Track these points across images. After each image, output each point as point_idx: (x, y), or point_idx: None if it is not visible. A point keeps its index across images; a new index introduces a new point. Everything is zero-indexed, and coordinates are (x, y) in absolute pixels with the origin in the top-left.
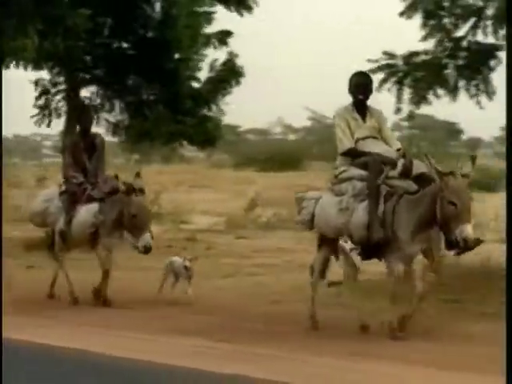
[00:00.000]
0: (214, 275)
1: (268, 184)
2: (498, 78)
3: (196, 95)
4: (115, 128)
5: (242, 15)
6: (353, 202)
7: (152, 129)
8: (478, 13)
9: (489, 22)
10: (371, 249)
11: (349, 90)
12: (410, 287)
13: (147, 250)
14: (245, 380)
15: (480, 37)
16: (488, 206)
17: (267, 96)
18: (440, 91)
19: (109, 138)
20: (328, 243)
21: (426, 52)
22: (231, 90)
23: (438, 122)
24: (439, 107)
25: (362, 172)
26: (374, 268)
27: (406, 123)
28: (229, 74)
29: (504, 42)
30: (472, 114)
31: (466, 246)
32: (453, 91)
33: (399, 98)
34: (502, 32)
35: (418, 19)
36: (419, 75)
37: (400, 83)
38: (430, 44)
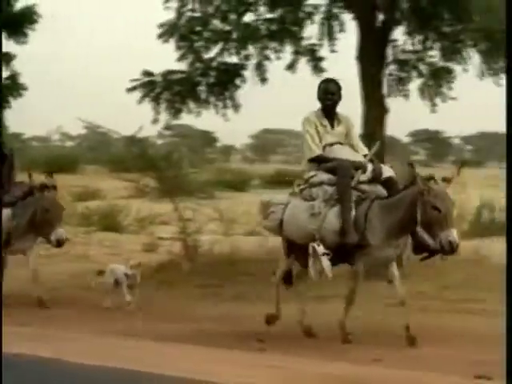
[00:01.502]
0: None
1: None
2: (243, 93)
3: None
4: None
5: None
6: (324, 207)
7: None
8: (226, 36)
9: (234, 44)
10: (343, 253)
11: (318, 96)
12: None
13: (60, 243)
14: (34, 358)
15: (228, 58)
16: (238, 203)
17: (48, 107)
18: (193, 105)
19: None
20: (295, 249)
21: (181, 71)
22: (11, 104)
23: (196, 131)
24: (197, 118)
25: (331, 176)
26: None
27: (168, 132)
28: (10, 89)
29: (247, 62)
30: (225, 124)
31: (450, 249)
32: (204, 105)
33: (157, 110)
34: (245, 52)
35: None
36: (175, 91)
37: (158, 98)
38: (185, 64)
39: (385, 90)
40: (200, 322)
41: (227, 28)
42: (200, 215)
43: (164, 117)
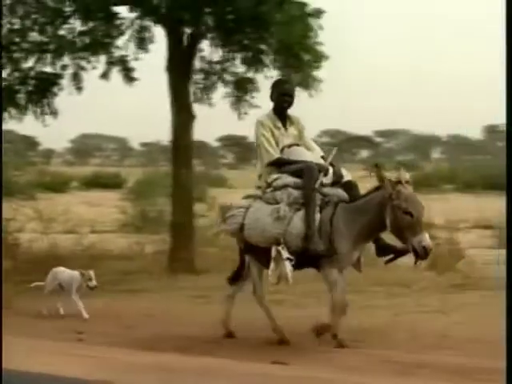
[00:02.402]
0: None
1: None
2: (62, 100)
3: None
4: None
5: None
6: (289, 211)
7: None
8: (43, 47)
9: (51, 55)
10: (308, 258)
11: (271, 96)
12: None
13: None
14: None
15: (46, 67)
16: (57, 203)
17: None
18: (14, 111)
19: None
20: (257, 253)
21: (2, 79)
22: None
23: (19, 135)
24: (20, 124)
25: (296, 179)
26: None
27: None
28: None
29: (64, 71)
30: (46, 129)
31: (425, 254)
32: (24, 111)
33: None
34: (61, 63)
35: None
36: None
37: None
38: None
39: (192, 97)
40: (21, 315)
41: (44, 40)
42: (21, 215)
43: None
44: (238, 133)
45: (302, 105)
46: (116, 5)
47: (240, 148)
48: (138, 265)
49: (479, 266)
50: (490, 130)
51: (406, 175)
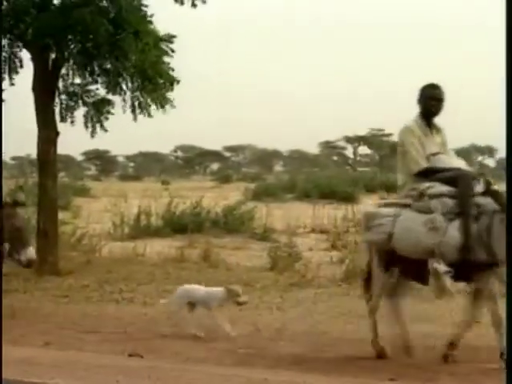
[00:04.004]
0: None
1: None
2: None
3: None
4: None
5: None
6: (444, 221)
7: None
8: None
9: None
10: (463, 271)
11: (419, 101)
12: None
13: (30, 263)
14: None
15: None
16: None
17: None
18: None
19: None
20: (404, 264)
21: None
22: None
23: None
24: None
25: (450, 188)
26: None
27: None
28: None
29: None
30: None
31: None
32: None
33: None
34: None
35: None
36: None
37: None
38: None
39: (58, 115)
40: None
41: None
42: None
43: None
44: (100, 147)
45: (157, 123)
46: None
47: (102, 161)
48: (6, 267)
49: (314, 267)
50: (326, 145)
51: None
